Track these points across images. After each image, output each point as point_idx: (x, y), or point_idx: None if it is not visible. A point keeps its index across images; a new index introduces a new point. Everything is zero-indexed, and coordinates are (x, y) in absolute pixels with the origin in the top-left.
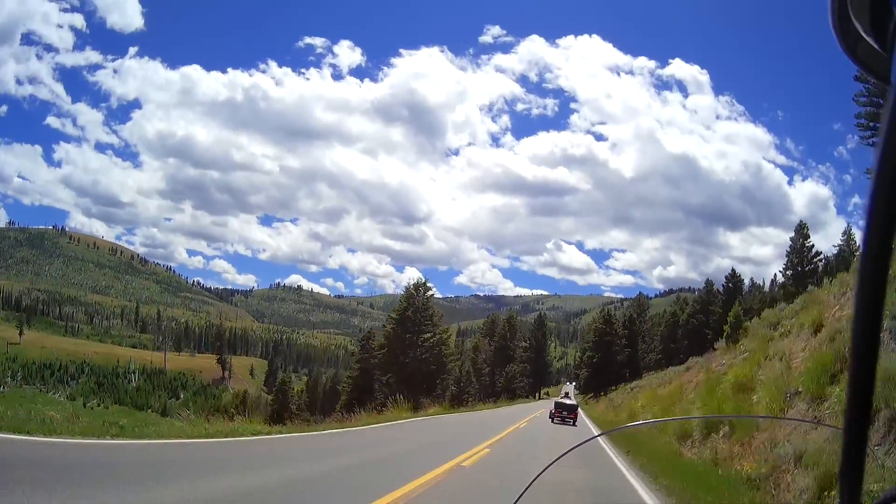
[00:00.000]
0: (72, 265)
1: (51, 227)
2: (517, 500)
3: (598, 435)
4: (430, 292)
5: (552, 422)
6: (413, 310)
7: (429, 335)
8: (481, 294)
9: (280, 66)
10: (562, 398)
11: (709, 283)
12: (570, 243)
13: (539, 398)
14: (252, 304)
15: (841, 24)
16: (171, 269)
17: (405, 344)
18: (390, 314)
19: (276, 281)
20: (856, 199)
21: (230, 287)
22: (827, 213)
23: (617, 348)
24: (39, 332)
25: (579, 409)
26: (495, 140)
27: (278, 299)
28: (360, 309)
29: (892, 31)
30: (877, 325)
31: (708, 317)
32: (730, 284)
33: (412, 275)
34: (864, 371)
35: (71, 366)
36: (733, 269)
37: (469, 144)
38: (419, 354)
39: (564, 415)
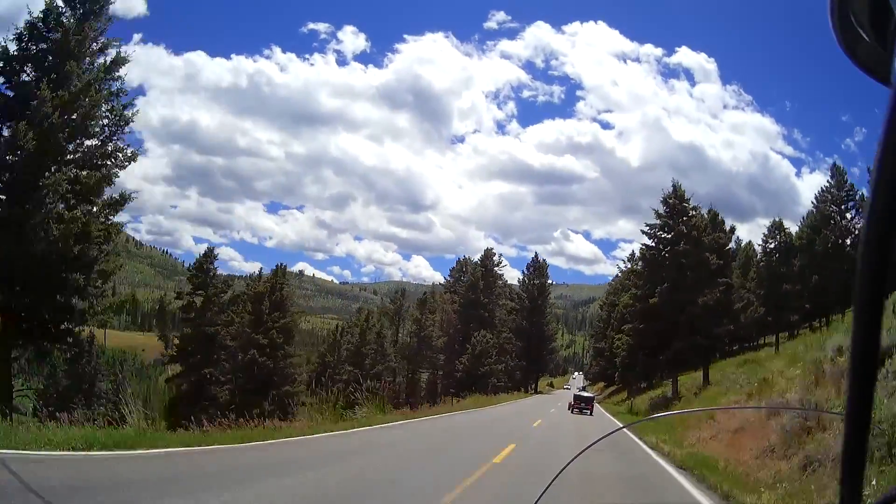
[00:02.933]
0: None
1: None
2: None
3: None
4: None
5: (571, 412)
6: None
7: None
8: None
9: (284, 51)
10: (579, 391)
11: (837, 172)
12: (577, 232)
13: (535, 391)
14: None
15: (841, 24)
16: (167, 252)
17: None
18: None
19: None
20: (863, 192)
21: (234, 273)
22: None
23: (694, 276)
24: None
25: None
26: (501, 127)
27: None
28: (362, 295)
29: (892, 31)
30: (877, 321)
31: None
32: None
33: (419, 262)
34: (865, 370)
35: None
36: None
37: (475, 131)
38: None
39: (582, 406)
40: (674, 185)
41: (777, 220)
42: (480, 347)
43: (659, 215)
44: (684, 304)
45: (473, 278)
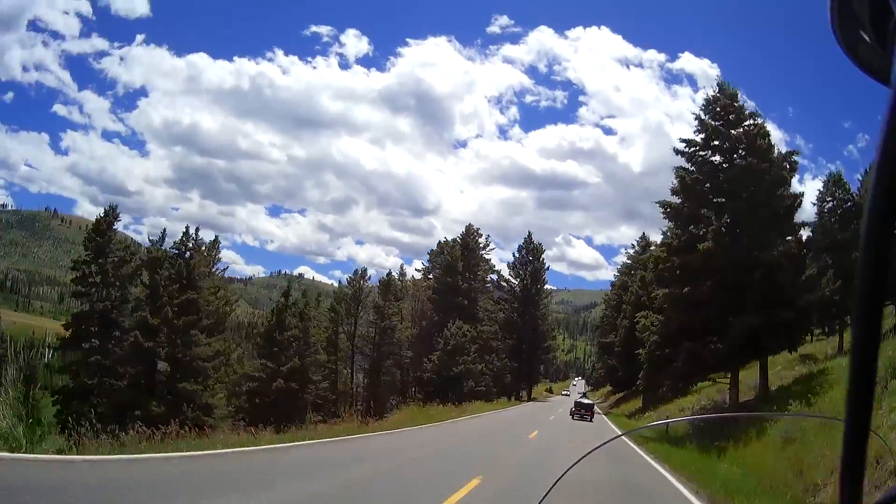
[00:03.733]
0: (61, 247)
1: (43, 210)
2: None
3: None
4: None
5: (572, 418)
6: None
7: None
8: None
9: (287, 54)
10: (580, 398)
11: None
12: (578, 238)
13: (529, 398)
14: (251, 292)
15: (841, 24)
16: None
17: None
18: None
19: (278, 269)
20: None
21: (233, 276)
22: None
23: (766, 212)
24: None
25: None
26: (503, 132)
27: (278, 287)
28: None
29: (892, 31)
30: (877, 322)
31: None
32: None
33: (420, 268)
34: (865, 373)
35: None
36: None
37: (477, 136)
38: None
39: (583, 412)
40: (720, 84)
41: (836, 172)
42: (454, 342)
43: (703, 124)
44: (754, 254)
45: (451, 258)
